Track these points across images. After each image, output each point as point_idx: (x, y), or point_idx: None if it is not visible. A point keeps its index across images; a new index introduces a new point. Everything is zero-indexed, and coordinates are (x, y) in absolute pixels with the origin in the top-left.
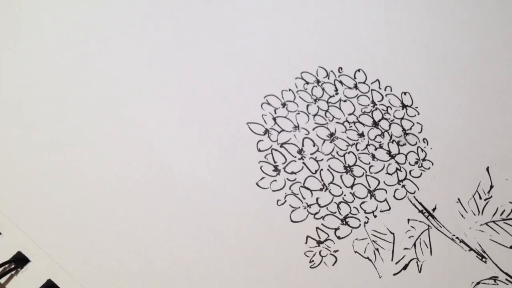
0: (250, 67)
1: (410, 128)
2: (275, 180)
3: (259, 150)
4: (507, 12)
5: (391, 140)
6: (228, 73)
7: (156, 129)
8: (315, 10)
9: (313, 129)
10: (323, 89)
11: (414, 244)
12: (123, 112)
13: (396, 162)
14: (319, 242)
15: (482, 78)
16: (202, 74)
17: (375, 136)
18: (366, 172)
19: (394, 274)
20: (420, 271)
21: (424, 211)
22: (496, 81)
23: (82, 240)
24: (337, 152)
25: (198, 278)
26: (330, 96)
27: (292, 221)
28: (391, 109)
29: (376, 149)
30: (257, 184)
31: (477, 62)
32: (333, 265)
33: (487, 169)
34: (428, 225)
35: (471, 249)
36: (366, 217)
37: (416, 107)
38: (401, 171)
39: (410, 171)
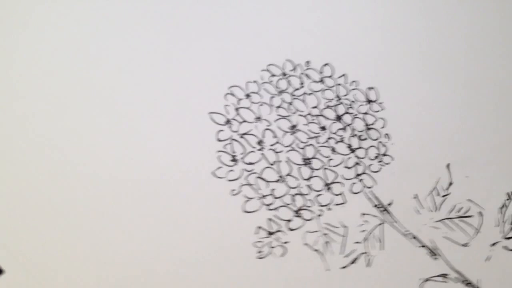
0: (216, 58)
1: (373, 123)
2: (232, 170)
3: (218, 140)
4: (475, 9)
5: (352, 134)
6: (193, 63)
7: (116, 117)
8: (285, 3)
9: (275, 121)
10: (288, 82)
11: (366, 239)
12: (83, 103)
13: (356, 156)
14: (270, 233)
15: (449, 76)
16: (168, 63)
17: (337, 130)
18: (324, 165)
19: (343, 267)
20: (369, 265)
21: (379, 205)
22: (462, 79)
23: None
24: (297, 145)
25: (145, 263)
26: (295, 89)
27: (245, 211)
28: (355, 103)
29: (337, 142)
30: (213, 173)
31: (444, 60)
32: (281, 256)
33: (448, 166)
34: (382, 220)
35: (423, 245)
36: (320, 209)
37: (381, 103)
38: (360, 165)
39: (370, 165)
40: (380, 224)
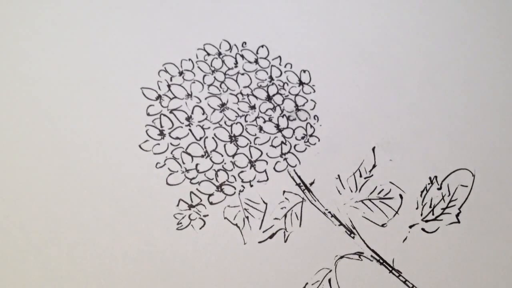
0: (152, 34)
1: (303, 105)
2: (158, 144)
3: (148, 114)
4: None
5: (281, 115)
6: (129, 40)
7: (44, 87)
8: None
9: (205, 98)
10: (223, 61)
11: (285, 215)
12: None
13: (283, 135)
14: (190, 206)
15: (382, 62)
16: (104, 38)
17: (266, 110)
18: (250, 143)
19: (260, 242)
20: (286, 241)
21: (301, 184)
22: (395, 65)
23: None
24: (225, 122)
25: (63, 232)
26: (229, 69)
27: (167, 183)
28: (287, 85)
29: (265, 122)
30: (139, 146)
31: (373, 47)
32: (200, 228)
33: (373, 149)
34: (303, 198)
35: (341, 224)
36: (242, 185)
37: (313, 85)
38: (286, 144)
39: (295, 145)
40: (300, 202)
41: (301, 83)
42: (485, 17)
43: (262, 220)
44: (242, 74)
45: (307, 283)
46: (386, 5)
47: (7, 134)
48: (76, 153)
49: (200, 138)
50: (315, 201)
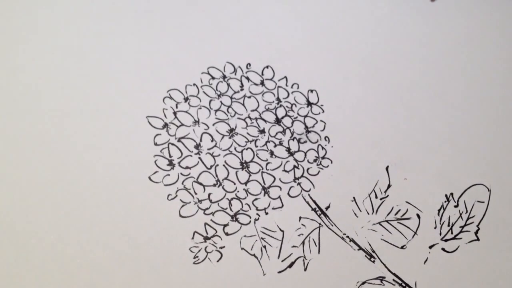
0: (155, 60)
1: (313, 126)
2: (168, 175)
3: (155, 144)
4: (409, 11)
5: (292, 138)
6: (132, 66)
7: (52, 120)
8: (226, 4)
9: (213, 124)
10: (228, 84)
11: (303, 242)
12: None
13: (295, 159)
14: (206, 238)
15: (390, 78)
16: (105, 65)
17: (276, 133)
18: (262, 168)
19: (279, 272)
20: (305, 269)
21: (317, 209)
22: (403, 80)
23: None
24: (235, 148)
25: (75, 269)
26: (235, 92)
27: (180, 216)
28: (295, 106)
29: (275, 146)
30: (149, 178)
31: (382, 64)
32: (217, 261)
33: (387, 168)
34: (320, 223)
35: (360, 248)
36: (257, 214)
37: (322, 105)
38: (299, 168)
39: (308, 169)
40: (317, 228)
41: (309, 103)
42: (501, 30)
43: (280, 249)
44: (249, 97)
45: None
46: (392, 22)
47: (13, 164)
48: (84, 190)
49: (211, 166)
50: (332, 225)
